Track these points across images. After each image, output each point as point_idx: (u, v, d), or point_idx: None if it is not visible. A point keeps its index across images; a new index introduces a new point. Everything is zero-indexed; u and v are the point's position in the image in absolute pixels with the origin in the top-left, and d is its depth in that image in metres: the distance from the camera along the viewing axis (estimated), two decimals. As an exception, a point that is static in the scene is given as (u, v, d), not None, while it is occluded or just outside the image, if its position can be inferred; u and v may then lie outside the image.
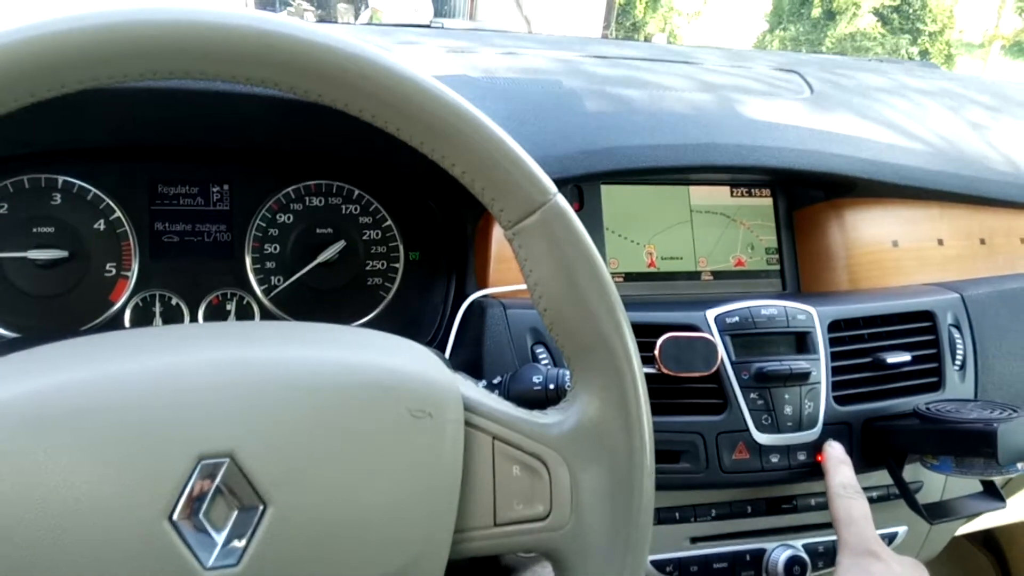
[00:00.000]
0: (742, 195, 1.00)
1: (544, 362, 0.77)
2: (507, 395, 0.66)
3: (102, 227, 0.86)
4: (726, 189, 1.00)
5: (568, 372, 0.57)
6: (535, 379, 0.66)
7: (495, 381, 0.68)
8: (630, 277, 0.94)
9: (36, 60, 0.39)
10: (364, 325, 0.93)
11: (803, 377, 0.80)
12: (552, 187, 0.49)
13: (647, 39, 11.72)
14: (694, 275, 0.97)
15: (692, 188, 0.98)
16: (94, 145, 0.85)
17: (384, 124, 0.46)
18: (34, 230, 0.83)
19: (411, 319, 0.94)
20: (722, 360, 0.79)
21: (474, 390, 0.50)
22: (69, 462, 0.38)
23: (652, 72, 1.07)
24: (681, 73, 1.08)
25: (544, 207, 0.48)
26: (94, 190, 0.85)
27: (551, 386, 0.65)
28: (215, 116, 0.82)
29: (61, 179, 0.84)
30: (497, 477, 0.48)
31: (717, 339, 0.80)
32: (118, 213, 0.86)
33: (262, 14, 0.43)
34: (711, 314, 0.82)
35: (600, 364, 0.50)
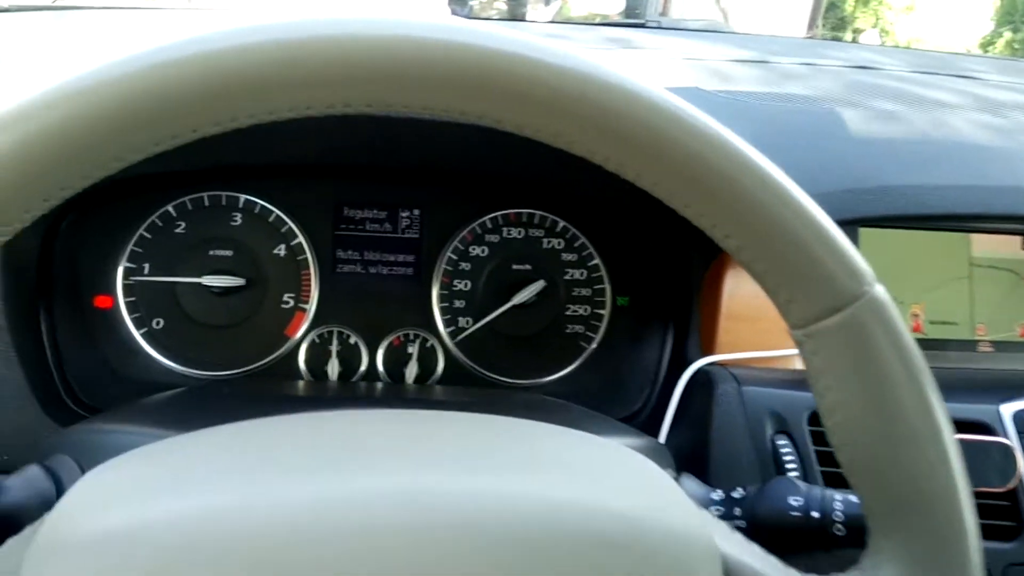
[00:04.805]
0: (1040, 247, 0.84)
1: (788, 460, 0.64)
2: (752, 517, 0.54)
3: (282, 252, 0.83)
4: (1018, 239, 0.84)
5: (838, 497, 0.51)
6: (793, 501, 0.52)
7: (736, 495, 0.55)
8: (890, 345, 0.78)
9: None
10: (559, 379, 0.86)
11: None
12: (870, 273, 0.36)
13: (856, 35, 11.02)
14: (969, 344, 0.83)
15: (974, 236, 0.83)
16: (278, 162, 0.82)
17: (652, 187, 0.35)
18: (211, 252, 0.81)
19: (615, 379, 0.85)
20: (1020, 474, 0.64)
21: (732, 542, 0.38)
22: None
23: (919, 86, 0.93)
24: (956, 88, 0.94)
25: (858, 303, 0.36)
26: (276, 211, 0.83)
27: (814, 513, 0.51)
28: (407, 135, 0.76)
29: (243, 198, 0.82)
30: None
31: (1016, 444, 0.65)
32: (300, 239, 0.83)
33: (492, 30, 0.33)
34: (1007, 410, 0.67)
35: (923, 528, 0.38)
